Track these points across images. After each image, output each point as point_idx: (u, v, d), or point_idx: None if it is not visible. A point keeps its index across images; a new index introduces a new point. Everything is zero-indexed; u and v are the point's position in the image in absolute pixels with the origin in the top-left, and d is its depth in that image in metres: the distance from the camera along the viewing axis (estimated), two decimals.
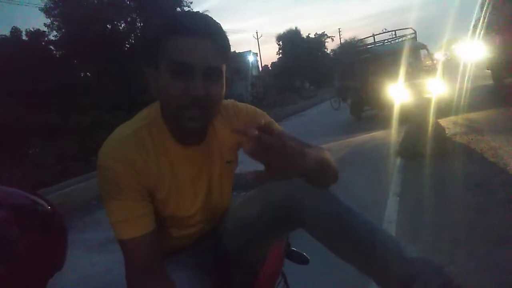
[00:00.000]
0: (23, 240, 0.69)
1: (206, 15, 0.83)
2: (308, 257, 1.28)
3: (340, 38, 39.35)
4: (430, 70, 8.37)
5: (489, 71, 9.13)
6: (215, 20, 0.82)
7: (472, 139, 4.51)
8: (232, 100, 1.00)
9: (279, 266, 1.22)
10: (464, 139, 4.60)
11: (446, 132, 4.72)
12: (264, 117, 0.99)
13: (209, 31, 0.79)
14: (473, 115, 6.04)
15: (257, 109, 1.01)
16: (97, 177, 0.82)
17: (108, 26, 15.76)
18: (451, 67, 12.31)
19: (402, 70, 7.20)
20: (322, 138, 7.56)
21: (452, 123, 5.81)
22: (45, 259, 0.73)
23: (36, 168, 8.14)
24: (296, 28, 34.90)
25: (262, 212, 0.93)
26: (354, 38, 26.65)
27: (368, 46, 10.21)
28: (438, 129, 4.48)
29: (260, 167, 0.76)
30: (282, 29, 73.17)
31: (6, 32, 15.86)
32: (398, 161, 4.42)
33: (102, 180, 0.81)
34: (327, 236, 0.90)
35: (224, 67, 0.82)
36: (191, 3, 17.25)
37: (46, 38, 15.94)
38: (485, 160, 3.58)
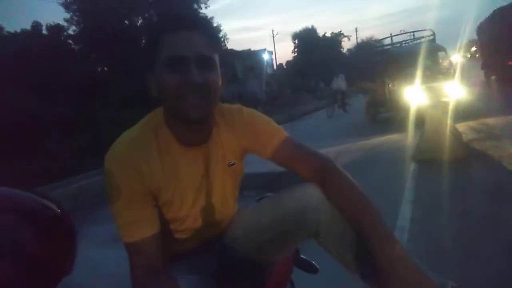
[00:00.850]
0: (34, 245, 0.69)
1: (193, 10, 0.86)
2: (317, 266, 1.27)
3: (356, 38, 38.87)
4: (448, 73, 8.22)
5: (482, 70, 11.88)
6: (201, 14, 0.85)
7: (490, 145, 4.40)
8: (239, 105, 1.01)
9: (288, 274, 1.21)
10: (481, 146, 4.49)
11: (463, 138, 4.61)
12: (270, 123, 0.99)
13: (196, 24, 0.83)
14: (491, 120, 5.89)
15: (263, 115, 1.01)
16: (104, 180, 0.84)
17: (125, 21, 15.95)
18: (470, 69, 12.95)
19: (419, 73, 7.07)
20: (335, 139, 7.48)
21: (469, 128, 5.68)
22: (55, 263, 0.74)
23: (52, 160, 8.31)
24: (312, 26, 34.58)
25: (275, 221, 0.93)
26: (371, 38, 26.25)
27: (386, 47, 10.06)
28: (455, 134, 4.38)
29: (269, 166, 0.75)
30: (298, 27, 72.80)
31: (27, 26, 16.13)
32: (413, 166, 4.34)
33: (108, 184, 0.83)
34: (339, 250, 0.89)
35: (216, 57, 0.85)
36: (208, 0, 17.28)
37: (65, 33, 16.25)
38: (503, 168, 3.49)
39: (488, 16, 11.79)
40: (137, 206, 0.83)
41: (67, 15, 15.55)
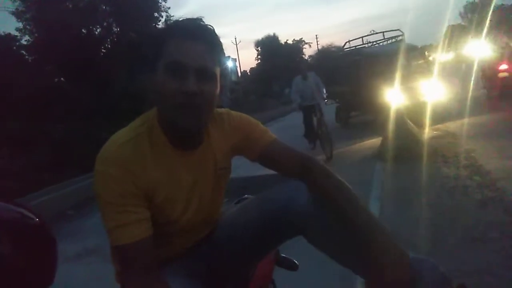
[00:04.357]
0: (14, 256, 0.66)
1: (200, 20, 0.88)
2: (297, 263, 1.30)
3: (317, 44, 40.00)
4: (426, 72, 7.65)
5: None
6: (208, 25, 0.87)
7: (448, 142, 4.69)
8: (227, 109, 1.02)
9: (270, 273, 1.22)
10: (440, 143, 4.77)
11: (423, 136, 4.87)
12: (258, 126, 1.01)
13: (202, 35, 0.84)
14: (449, 123, 6.22)
15: (251, 118, 1.03)
16: (94, 181, 0.81)
17: (83, 30, 15.39)
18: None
19: (397, 73, 6.52)
20: (303, 145, 7.60)
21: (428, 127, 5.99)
22: (36, 274, 0.71)
23: (6, 177, 7.79)
24: (274, 34, 35.26)
25: (262, 218, 0.93)
26: (331, 44, 27.14)
27: (358, 48, 9.53)
28: (416, 132, 4.62)
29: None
30: (260, 35, 73.66)
31: None
32: (377, 165, 4.52)
33: (99, 185, 0.80)
34: (328, 244, 0.90)
35: (217, 70, 0.86)
36: (169, 8, 17.06)
37: (17, 43, 15.39)
38: (460, 163, 3.73)
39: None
40: (130, 208, 0.80)
41: (18, 24, 14.71)
